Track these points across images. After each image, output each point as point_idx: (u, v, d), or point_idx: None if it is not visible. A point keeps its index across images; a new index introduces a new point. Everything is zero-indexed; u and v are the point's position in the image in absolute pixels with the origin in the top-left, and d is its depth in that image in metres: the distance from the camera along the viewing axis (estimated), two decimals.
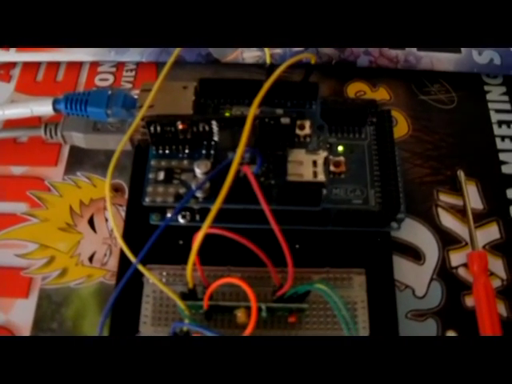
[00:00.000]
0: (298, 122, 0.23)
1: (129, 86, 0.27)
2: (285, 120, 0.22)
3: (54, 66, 0.28)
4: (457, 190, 0.24)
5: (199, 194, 0.21)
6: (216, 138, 0.22)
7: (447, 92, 0.27)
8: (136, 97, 0.23)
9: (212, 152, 0.22)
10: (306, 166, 0.22)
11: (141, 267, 0.18)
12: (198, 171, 0.22)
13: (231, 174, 0.17)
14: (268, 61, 0.22)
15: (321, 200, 0.21)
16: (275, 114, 0.22)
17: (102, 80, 0.28)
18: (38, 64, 0.28)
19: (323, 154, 0.22)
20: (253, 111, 0.18)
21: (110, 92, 0.23)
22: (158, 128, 0.22)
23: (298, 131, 0.23)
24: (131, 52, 0.27)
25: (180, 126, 0.22)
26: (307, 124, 0.23)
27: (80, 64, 0.28)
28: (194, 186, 0.21)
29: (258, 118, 0.21)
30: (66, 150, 0.26)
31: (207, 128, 0.22)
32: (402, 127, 0.26)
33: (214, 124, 0.22)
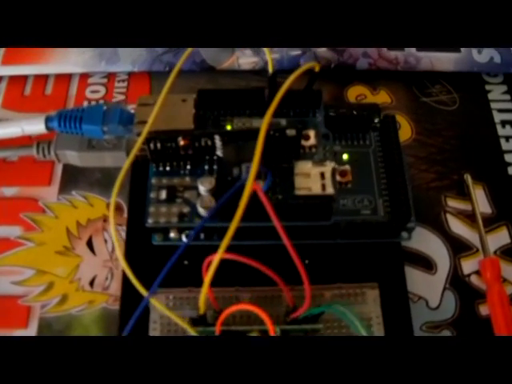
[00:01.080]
0: (303, 133, 0.22)
1: (122, 97, 0.26)
2: (290, 132, 0.21)
3: (42, 79, 0.27)
4: (464, 194, 0.24)
5: (203, 213, 0.20)
6: (219, 153, 0.21)
7: (448, 93, 0.27)
8: (132, 111, 0.22)
9: (215, 167, 0.22)
10: (313, 178, 0.21)
11: (153, 301, 0.17)
12: (202, 188, 0.21)
13: (245, 196, 0.16)
14: (270, 69, 0.22)
15: (332, 214, 0.21)
16: (280, 126, 0.21)
17: (93, 92, 0.26)
18: (24, 78, 0.27)
19: (330, 164, 0.22)
20: (265, 127, 0.18)
21: (105, 107, 0.22)
22: (158, 144, 0.21)
23: (303, 142, 0.22)
24: (122, 62, 0.26)
25: (181, 142, 0.21)
26: (312, 134, 0.22)
27: (69, 76, 0.27)
28: (203, 211, 0.20)
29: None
30: (59, 168, 0.24)
31: (210, 143, 0.21)
32: (405, 131, 0.25)
33: (217, 139, 0.21)
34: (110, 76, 0.27)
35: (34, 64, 0.26)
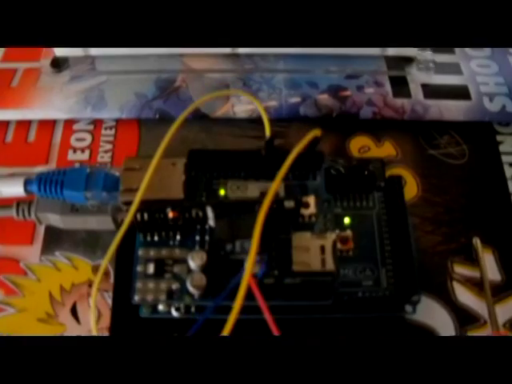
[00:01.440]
0: (303, 200, 0.21)
1: (109, 146, 0.25)
2: (289, 204, 0.19)
3: (25, 124, 0.25)
4: (472, 259, 0.23)
5: (195, 292, 0.19)
6: (212, 224, 0.20)
7: (457, 144, 0.25)
8: (117, 174, 0.20)
9: (207, 238, 0.20)
10: (312, 252, 0.20)
11: None
12: (193, 264, 0.19)
13: (242, 290, 0.15)
14: (267, 133, 0.20)
15: (332, 293, 0.19)
16: (277, 197, 0.19)
17: (78, 140, 0.25)
18: (6, 123, 0.25)
19: (331, 236, 0.20)
20: (265, 208, 0.16)
21: (88, 170, 0.20)
22: (146, 215, 0.19)
23: (302, 210, 0.20)
24: (109, 108, 0.25)
25: (170, 215, 0.19)
26: (312, 201, 0.21)
27: (53, 122, 0.25)
28: (193, 290, 0.19)
29: (256, 202, 0.19)
30: (41, 226, 0.23)
31: (201, 214, 0.20)
32: (410, 188, 0.24)
33: (209, 210, 0.19)
34: (97, 122, 0.25)
35: (16, 108, 0.25)
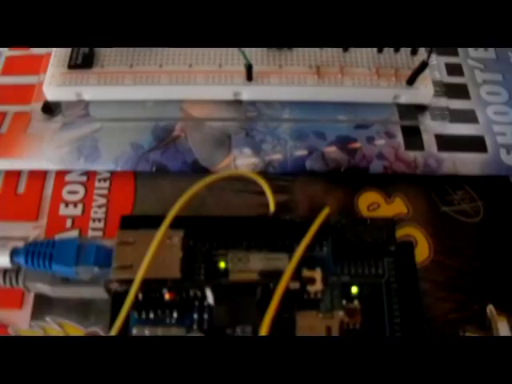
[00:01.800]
0: (308, 275, 0.19)
1: (103, 200, 0.23)
2: (294, 285, 0.18)
3: (14, 175, 0.24)
4: (485, 328, 0.21)
5: None
6: (211, 302, 0.19)
7: (472, 200, 0.24)
8: (109, 246, 0.19)
9: (205, 317, 0.19)
10: (318, 334, 0.19)
11: None
12: None
13: None
14: (272, 208, 0.19)
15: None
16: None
17: (70, 193, 0.23)
18: None
19: (338, 315, 0.19)
20: (277, 299, 0.15)
21: (78, 243, 0.19)
22: (140, 295, 0.18)
23: (307, 287, 0.19)
24: (103, 159, 0.23)
25: (167, 296, 0.18)
26: (318, 276, 0.19)
27: (44, 173, 0.24)
28: None
29: (259, 283, 0.18)
30: None
31: (199, 294, 0.18)
32: (422, 250, 0.23)
33: (209, 291, 0.18)
34: (90, 173, 0.24)
35: (5, 157, 0.23)
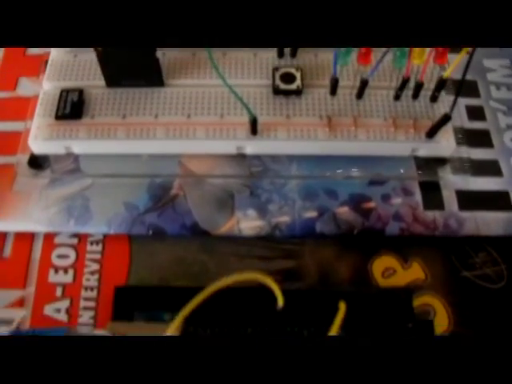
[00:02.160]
0: None
1: (96, 266, 0.21)
2: None
3: (0, 237, 0.22)
4: None
5: None
6: None
7: (494, 264, 0.22)
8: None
9: None
10: None
11: None
12: None
13: None
14: (280, 303, 0.17)
15: None
16: None
17: (60, 257, 0.22)
18: None
19: None
20: None
21: (65, 334, 0.17)
22: None
23: None
24: (95, 221, 0.21)
25: None
26: None
27: (32, 235, 0.22)
28: None
29: None
30: None
31: None
32: (441, 321, 0.21)
33: None
34: (81, 235, 0.22)
35: None
